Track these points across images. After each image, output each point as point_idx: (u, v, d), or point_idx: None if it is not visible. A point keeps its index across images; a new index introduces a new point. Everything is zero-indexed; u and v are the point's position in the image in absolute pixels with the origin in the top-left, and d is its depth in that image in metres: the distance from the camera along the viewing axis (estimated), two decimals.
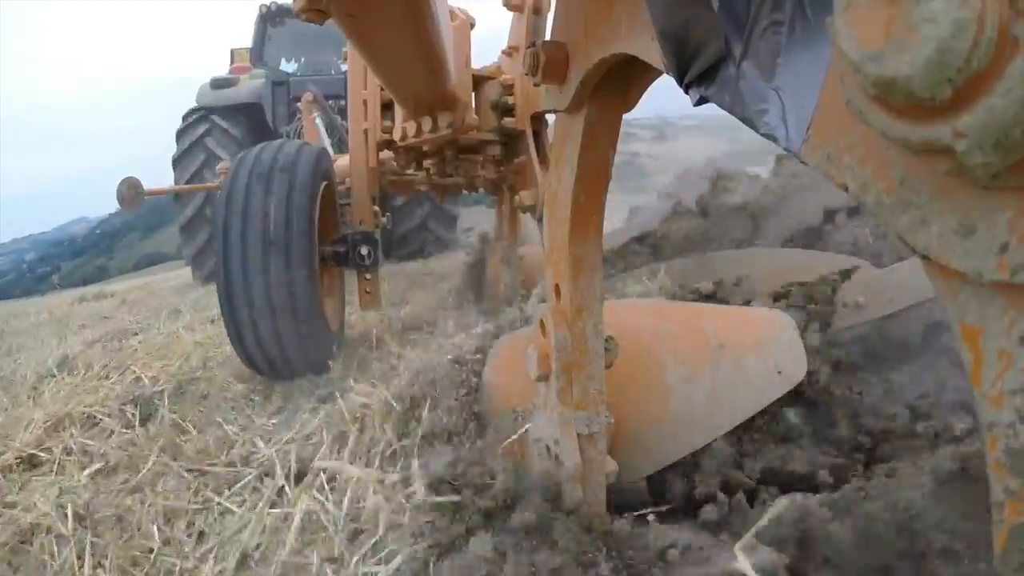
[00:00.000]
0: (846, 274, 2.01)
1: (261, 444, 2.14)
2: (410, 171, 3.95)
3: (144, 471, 2.07)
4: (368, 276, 3.48)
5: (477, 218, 10.17)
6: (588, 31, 1.03)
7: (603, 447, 1.24)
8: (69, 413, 2.69)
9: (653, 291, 2.25)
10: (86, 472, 2.13)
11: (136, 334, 4.77)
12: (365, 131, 3.48)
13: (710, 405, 1.40)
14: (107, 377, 3.35)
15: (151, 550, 1.64)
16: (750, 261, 2.58)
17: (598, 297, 1.21)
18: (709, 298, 2.04)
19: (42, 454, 2.33)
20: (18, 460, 2.30)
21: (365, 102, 3.46)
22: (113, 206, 4.13)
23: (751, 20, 0.64)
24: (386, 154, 3.57)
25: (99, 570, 1.59)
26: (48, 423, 2.58)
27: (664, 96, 1.09)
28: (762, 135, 0.64)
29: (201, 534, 1.71)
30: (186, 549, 1.62)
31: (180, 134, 7.73)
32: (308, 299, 2.78)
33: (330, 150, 4.39)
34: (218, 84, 8.08)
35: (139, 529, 1.74)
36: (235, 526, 1.66)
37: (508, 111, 3.21)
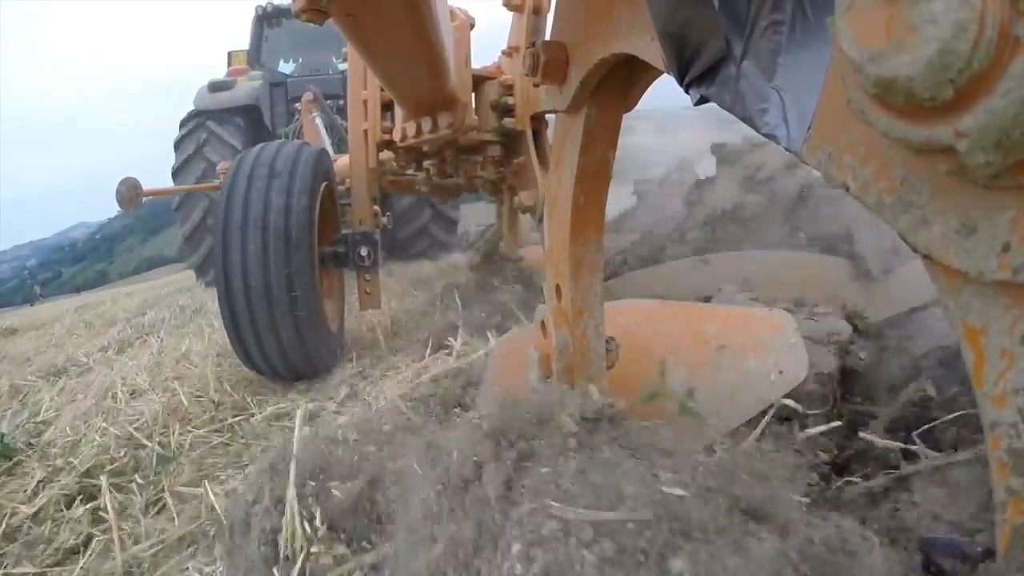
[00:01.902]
0: None
1: None
2: (410, 171, 3.95)
3: None
4: (368, 277, 3.47)
5: (479, 215, 10.13)
6: (588, 31, 1.02)
7: None
8: None
9: None
10: None
11: None
12: (365, 131, 3.48)
13: (711, 406, 1.39)
14: None
15: None
16: (749, 264, 2.58)
17: (599, 298, 1.21)
18: None
19: None
20: None
21: (365, 102, 3.47)
22: (113, 210, 4.11)
23: (752, 20, 0.64)
24: (386, 154, 3.57)
25: None
26: None
27: (661, 88, 1.08)
28: (763, 135, 0.64)
29: None
30: None
31: (178, 138, 7.74)
32: (308, 300, 2.78)
33: (330, 150, 4.39)
34: (215, 87, 8.07)
35: None
36: None
37: (508, 111, 3.21)
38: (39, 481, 2.11)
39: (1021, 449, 0.43)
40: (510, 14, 3.28)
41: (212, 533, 1.64)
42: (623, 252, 3.67)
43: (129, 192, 3.90)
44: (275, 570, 1.09)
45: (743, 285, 2.22)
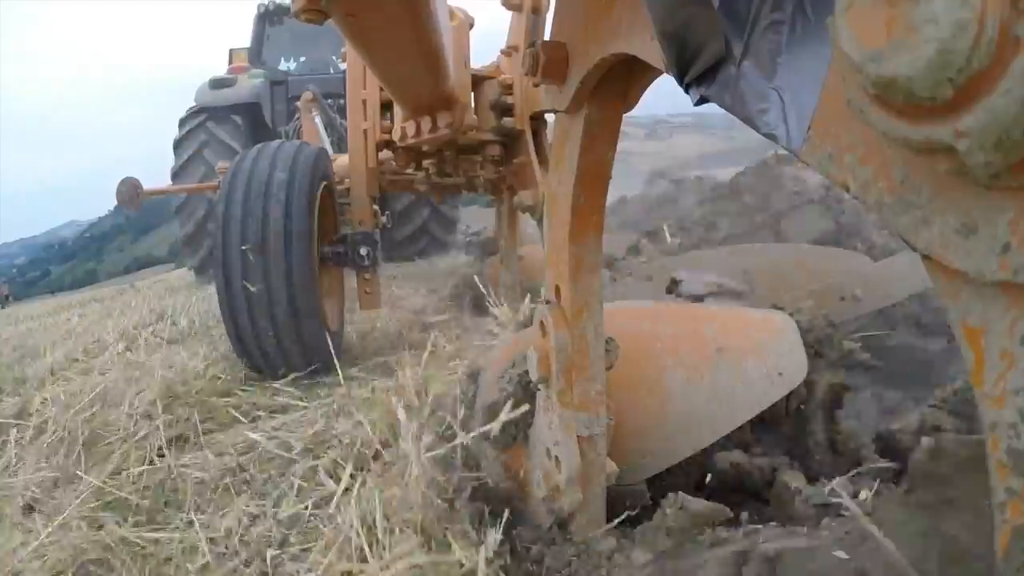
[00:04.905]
0: None
1: None
2: (409, 171, 3.95)
3: None
4: (368, 276, 3.47)
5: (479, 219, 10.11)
6: (588, 31, 1.02)
7: (603, 449, 1.24)
8: None
9: None
10: None
11: None
12: (364, 131, 3.48)
13: (710, 408, 1.39)
14: None
15: None
16: (751, 259, 2.58)
17: (598, 298, 1.21)
18: None
19: None
20: None
21: (364, 102, 3.46)
22: (104, 208, 4.12)
23: (751, 19, 0.64)
24: (385, 154, 3.57)
25: None
26: None
27: (657, 93, 1.09)
28: (763, 135, 0.64)
29: None
30: None
31: (177, 139, 7.74)
32: (307, 299, 2.78)
33: (329, 149, 4.39)
34: (217, 84, 8.09)
35: None
36: None
37: (507, 111, 3.21)
38: None
39: (1020, 450, 0.43)
40: (509, 13, 3.28)
41: None
42: None
43: (130, 192, 3.91)
44: None
45: (743, 279, 2.21)
